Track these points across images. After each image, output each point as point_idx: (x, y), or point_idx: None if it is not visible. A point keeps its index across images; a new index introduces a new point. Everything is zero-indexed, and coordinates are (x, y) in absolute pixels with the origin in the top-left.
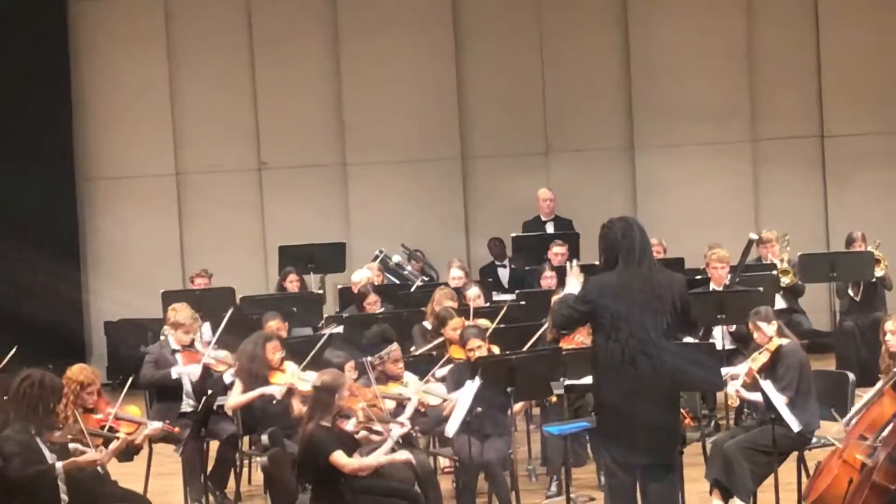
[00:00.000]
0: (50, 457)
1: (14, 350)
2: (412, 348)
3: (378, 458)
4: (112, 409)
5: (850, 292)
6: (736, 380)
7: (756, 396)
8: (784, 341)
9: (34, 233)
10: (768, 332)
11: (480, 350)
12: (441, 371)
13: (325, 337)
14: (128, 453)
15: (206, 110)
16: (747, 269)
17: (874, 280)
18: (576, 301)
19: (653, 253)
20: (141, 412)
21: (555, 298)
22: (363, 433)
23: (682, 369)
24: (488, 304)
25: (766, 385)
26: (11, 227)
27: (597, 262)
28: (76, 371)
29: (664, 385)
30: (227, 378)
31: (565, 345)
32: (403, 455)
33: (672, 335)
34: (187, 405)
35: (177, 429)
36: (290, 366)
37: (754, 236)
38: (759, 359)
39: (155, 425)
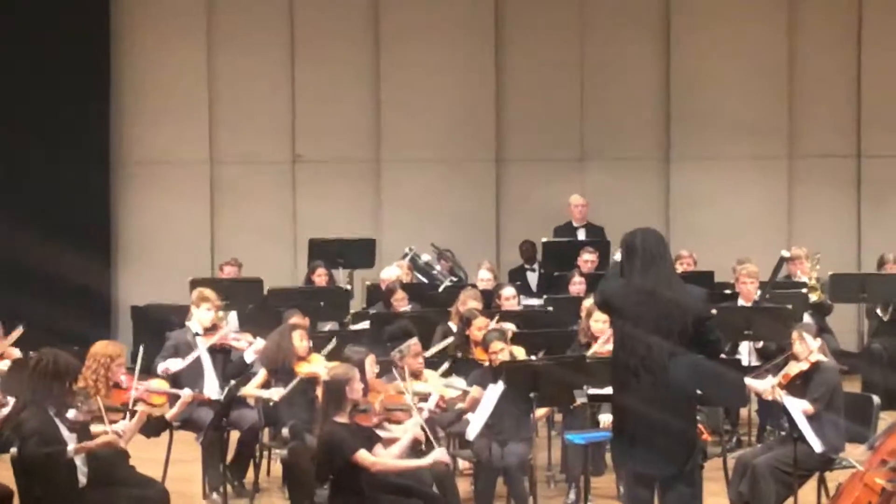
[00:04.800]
0: (69, 437)
1: (21, 329)
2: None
3: (407, 462)
4: (141, 383)
5: (879, 313)
6: (759, 393)
7: (790, 402)
8: (823, 358)
9: (67, 215)
10: (811, 346)
11: (502, 353)
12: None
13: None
14: (155, 428)
15: (244, 100)
16: (777, 286)
17: None
18: (601, 286)
19: (672, 269)
20: (168, 385)
21: (585, 303)
22: (384, 434)
23: (702, 385)
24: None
25: (790, 402)
26: (45, 210)
27: None
28: (102, 345)
29: (668, 400)
30: (249, 357)
31: (597, 347)
32: (431, 458)
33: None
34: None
35: (207, 396)
36: (316, 356)
37: (786, 253)
38: (797, 367)
39: (186, 392)
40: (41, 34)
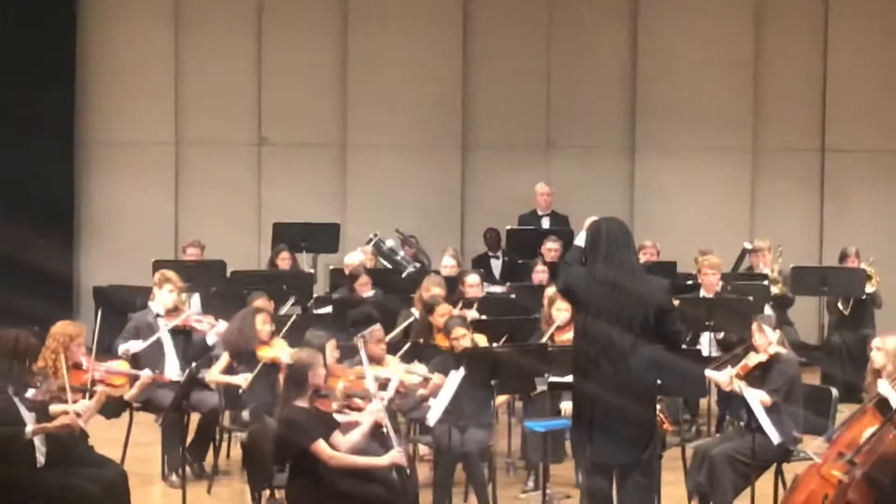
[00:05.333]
0: (28, 416)
1: None
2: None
3: (363, 460)
4: (101, 364)
5: (840, 307)
6: (718, 384)
7: (748, 392)
8: (783, 350)
9: (30, 196)
10: (770, 337)
11: (464, 339)
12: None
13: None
14: (114, 409)
15: (210, 83)
16: (739, 278)
17: (864, 297)
18: (564, 273)
19: (635, 259)
20: (129, 367)
21: (548, 291)
22: (343, 417)
23: (662, 374)
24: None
25: (749, 393)
26: (8, 190)
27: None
28: (62, 325)
29: (629, 389)
30: (211, 339)
31: (559, 336)
32: (387, 459)
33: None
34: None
35: (167, 378)
36: (279, 341)
37: (748, 245)
38: (756, 358)
39: (146, 373)
40: (5, 15)
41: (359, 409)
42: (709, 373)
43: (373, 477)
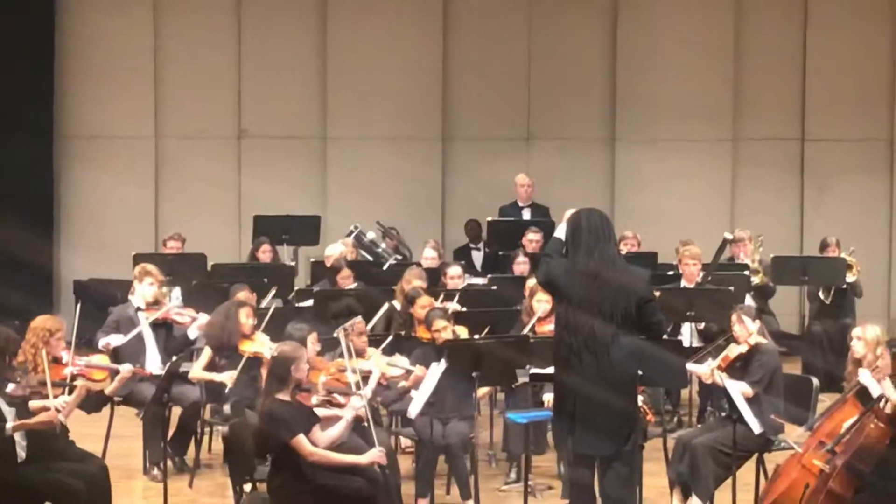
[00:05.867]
0: (7, 412)
1: None
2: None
3: (343, 457)
4: (81, 359)
5: (821, 296)
6: (700, 376)
7: (730, 384)
8: (763, 340)
9: (9, 189)
10: (750, 328)
11: (445, 331)
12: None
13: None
14: (95, 404)
15: (189, 75)
16: (720, 268)
17: (845, 286)
18: (545, 265)
19: (616, 250)
20: (109, 361)
21: (529, 282)
22: (324, 412)
23: (643, 365)
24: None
25: (730, 384)
26: None
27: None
28: (42, 319)
29: (611, 380)
30: (192, 333)
31: (540, 327)
32: (368, 458)
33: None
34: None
35: (148, 371)
36: (260, 335)
37: (729, 235)
38: (737, 349)
39: (126, 367)
40: None
41: (339, 406)
42: (690, 366)
43: (354, 470)
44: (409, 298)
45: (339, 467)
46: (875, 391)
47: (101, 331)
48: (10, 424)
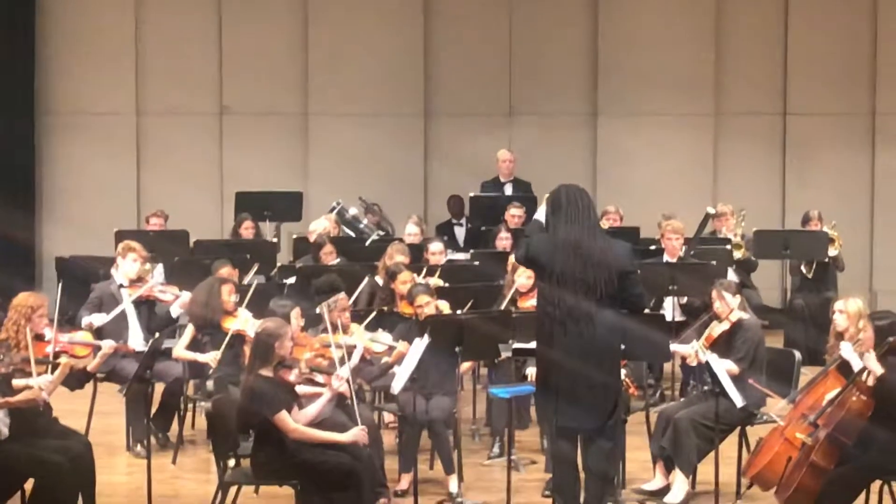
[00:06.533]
0: None
1: None
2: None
3: (324, 434)
4: (64, 335)
5: (803, 270)
6: (685, 357)
7: (714, 360)
8: (744, 315)
9: None
10: (731, 304)
11: (428, 307)
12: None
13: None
14: (78, 380)
15: (170, 52)
16: (702, 242)
17: (827, 260)
18: (525, 244)
19: (597, 223)
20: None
21: (511, 258)
22: (304, 388)
23: (626, 339)
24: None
25: (712, 358)
26: None
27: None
28: (24, 297)
29: (594, 354)
30: (175, 311)
31: (522, 302)
32: (350, 436)
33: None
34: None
35: (131, 348)
36: (243, 312)
37: (711, 210)
38: (719, 327)
39: (108, 343)
40: None
41: (320, 385)
42: (675, 347)
43: (337, 445)
44: (391, 274)
45: (321, 443)
46: (857, 365)
47: (84, 308)
48: None
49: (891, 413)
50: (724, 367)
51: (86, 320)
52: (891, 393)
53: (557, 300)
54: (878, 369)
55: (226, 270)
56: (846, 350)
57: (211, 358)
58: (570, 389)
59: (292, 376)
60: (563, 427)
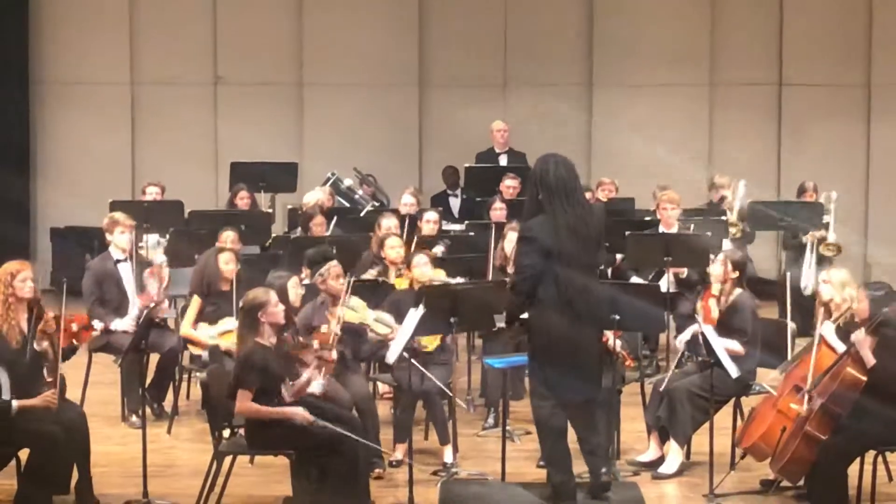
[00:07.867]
0: (5, 382)
1: None
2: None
3: (272, 410)
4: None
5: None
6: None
7: (718, 342)
8: (738, 290)
9: None
10: (732, 276)
11: (425, 267)
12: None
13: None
14: (66, 352)
15: (165, 21)
16: (698, 213)
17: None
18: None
19: (581, 191)
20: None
21: (506, 230)
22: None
23: (623, 310)
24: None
25: (707, 329)
26: None
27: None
28: (5, 265)
29: (589, 327)
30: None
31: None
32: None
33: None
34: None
35: (120, 329)
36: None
37: (720, 180)
38: (716, 308)
39: (98, 325)
40: None
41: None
42: (682, 337)
43: (335, 415)
44: (379, 241)
45: (317, 412)
46: (839, 348)
47: (88, 298)
48: (15, 403)
49: (886, 387)
50: (725, 346)
51: (98, 325)
52: (885, 380)
53: (565, 277)
54: (871, 359)
55: (231, 236)
56: (827, 330)
57: (213, 334)
58: (573, 363)
59: (304, 375)
60: (566, 399)
